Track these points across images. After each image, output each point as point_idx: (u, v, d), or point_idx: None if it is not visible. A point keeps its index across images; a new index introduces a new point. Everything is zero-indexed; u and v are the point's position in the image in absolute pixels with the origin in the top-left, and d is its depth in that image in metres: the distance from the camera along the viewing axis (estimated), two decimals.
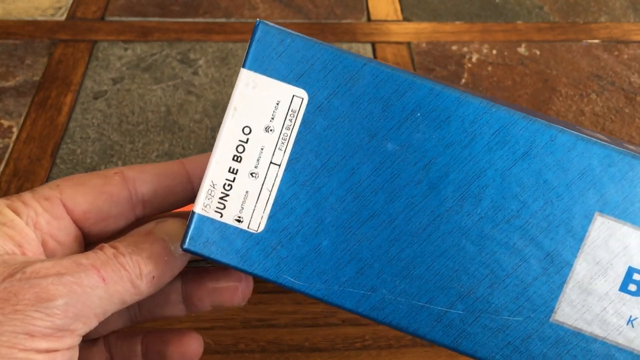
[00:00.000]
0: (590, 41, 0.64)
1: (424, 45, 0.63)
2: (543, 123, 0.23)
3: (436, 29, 0.65)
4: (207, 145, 0.52)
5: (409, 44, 0.63)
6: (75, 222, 0.27)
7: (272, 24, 0.24)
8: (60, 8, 0.65)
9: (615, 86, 0.58)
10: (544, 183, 0.24)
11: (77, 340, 0.23)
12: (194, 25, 0.64)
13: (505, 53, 0.62)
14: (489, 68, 0.60)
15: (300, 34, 0.24)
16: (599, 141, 0.23)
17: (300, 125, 0.24)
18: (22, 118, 0.53)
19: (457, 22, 0.65)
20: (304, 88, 0.24)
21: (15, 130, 0.52)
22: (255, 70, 0.24)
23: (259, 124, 0.24)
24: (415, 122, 0.24)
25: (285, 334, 0.39)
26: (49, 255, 0.26)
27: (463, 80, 0.58)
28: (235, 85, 0.24)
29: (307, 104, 0.24)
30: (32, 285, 0.22)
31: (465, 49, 0.62)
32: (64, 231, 0.26)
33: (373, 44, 0.62)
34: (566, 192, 0.23)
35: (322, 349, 0.39)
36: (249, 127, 0.24)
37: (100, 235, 0.28)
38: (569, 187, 0.23)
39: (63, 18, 0.64)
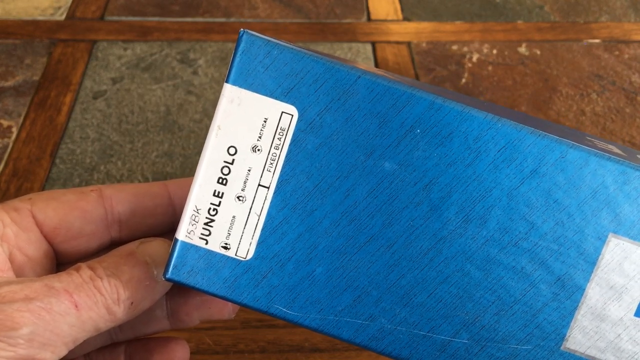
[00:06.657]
0: (590, 41, 0.63)
1: (424, 45, 0.62)
2: (553, 138, 0.21)
3: (436, 28, 0.64)
4: None
5: (409, 43, 0.62)
6: (45, 236, 0.25)
7: (257, 33, 0.21)
8: (59, 8, 0.65)
9: (615, 86, 0.58)
10: (554, 203, 0.21)
11: None
12: (194, 25, 0.63)
13: (506, 53, 0.61)
14: (490, 68, 0.59)
15: (288, 45, 0.21)
16: (613, 156, 0.21)
17: (290, 144, 0.22)
18: (22, 118, 0.52)
19: (458, 22, 0.65)
20: (293, 104, 0.21)
21: (14, 130, 0.51)
22: (240, 86, 0.21)
23: (246, 144, 0.22)
24: (415, 139, 0.21)
25: (285, 334, 0.38)
26: (17, 270, 0.24)
27: (463, 80, 0.58)
28: (219, 102, 0.21)
29: (297, 121, 0.21)
30: None
31: (465, 49, 0.61)
32: (34, 245, 0.24)
33: (373, 44, 0.61)
34: (578, 213, 0.21)
35: (322, 349, 0.37)
36: (234, 147, 0.22)
37: (73, 254, 0.26)
38: (580, 207, 0.21)
39: (62, 18, 0.63)
